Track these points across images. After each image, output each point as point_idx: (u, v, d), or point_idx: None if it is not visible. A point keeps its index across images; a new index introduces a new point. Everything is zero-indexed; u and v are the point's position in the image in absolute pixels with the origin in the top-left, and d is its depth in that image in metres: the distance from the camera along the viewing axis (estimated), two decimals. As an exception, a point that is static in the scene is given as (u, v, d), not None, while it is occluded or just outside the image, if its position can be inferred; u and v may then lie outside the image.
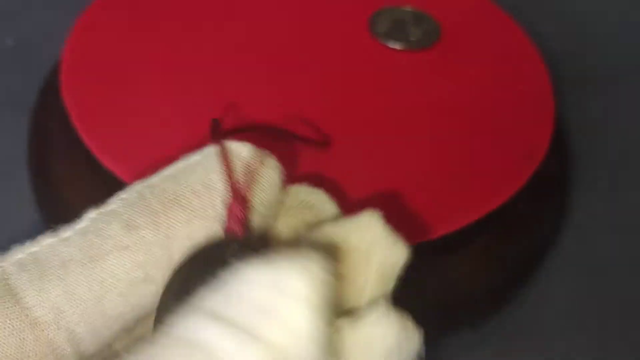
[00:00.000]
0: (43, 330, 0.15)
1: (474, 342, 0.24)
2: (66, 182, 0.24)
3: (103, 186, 0.24)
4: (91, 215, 0.16)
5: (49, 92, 0.27)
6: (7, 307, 0.14)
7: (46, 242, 0.15)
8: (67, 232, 0.16)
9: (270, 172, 0.17)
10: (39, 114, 0.27)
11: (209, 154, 0.17)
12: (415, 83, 0.26)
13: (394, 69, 0.26)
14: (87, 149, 0.23)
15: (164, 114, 0.24)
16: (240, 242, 0.16)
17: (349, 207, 0.18)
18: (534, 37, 0.28)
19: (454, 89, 0.26)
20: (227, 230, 0.16)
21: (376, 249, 0.16)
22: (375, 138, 0.24)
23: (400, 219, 0.22)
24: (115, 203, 0.16)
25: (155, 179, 0.16)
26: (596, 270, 0.26)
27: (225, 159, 0.16)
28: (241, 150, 0.17)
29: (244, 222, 0.16)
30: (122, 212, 0.16)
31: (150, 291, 0.16)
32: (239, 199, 0.16)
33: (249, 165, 0.17)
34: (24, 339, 0.14)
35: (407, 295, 0.21)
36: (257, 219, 0.17)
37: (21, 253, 0.15)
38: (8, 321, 0.14)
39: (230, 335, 0.13)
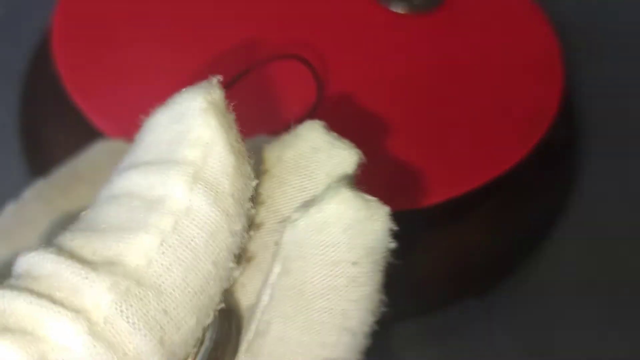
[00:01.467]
0: None
1: (479, 311, 0.24)
2: (59, 146, 0.24)
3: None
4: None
5: (40, 59, 0.26)
6: None
7: None
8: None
9: None
10: (30, 81, 0.27)
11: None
12: (419, 47, 0.25)
13: (398, 33, 0.26)
14: (80, 111, 0.23)
15: (156, 75, 0.24)
16: None
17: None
18: (541, 3, 0.28)
19: (458, 53, 0.25)
20: None
21: (319, 159, 0.15)
22: (377, 102, 0.24)
23: (403, 183, 0.22)
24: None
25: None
26: (604, 238, 0.26)
27: None
28: None
29: None
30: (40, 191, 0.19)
31: None
32: None
33: None
34: None
35: (411, 262, 0.21)
36: None
37: None
38: None
39: (150, 173, 0.13)
